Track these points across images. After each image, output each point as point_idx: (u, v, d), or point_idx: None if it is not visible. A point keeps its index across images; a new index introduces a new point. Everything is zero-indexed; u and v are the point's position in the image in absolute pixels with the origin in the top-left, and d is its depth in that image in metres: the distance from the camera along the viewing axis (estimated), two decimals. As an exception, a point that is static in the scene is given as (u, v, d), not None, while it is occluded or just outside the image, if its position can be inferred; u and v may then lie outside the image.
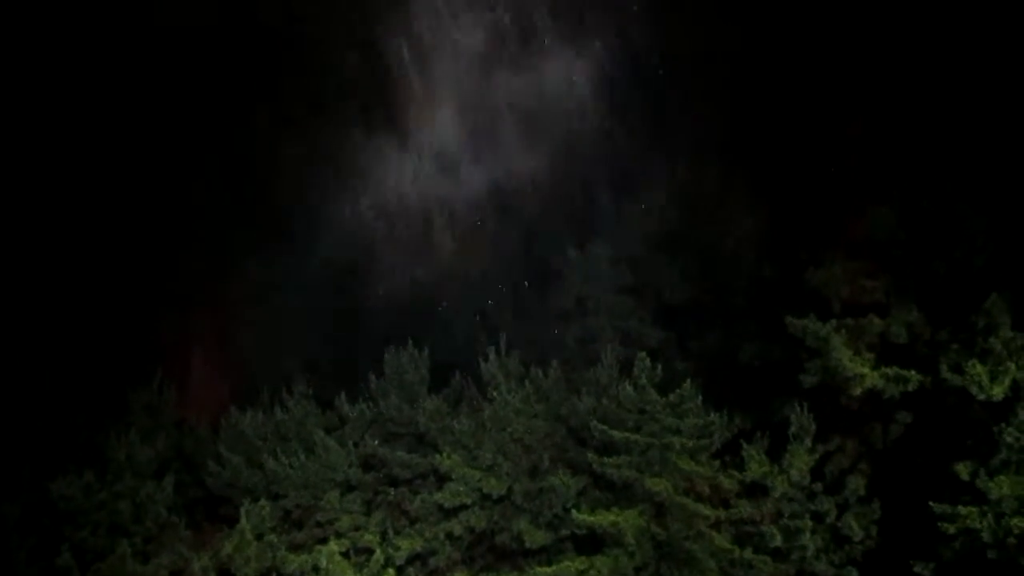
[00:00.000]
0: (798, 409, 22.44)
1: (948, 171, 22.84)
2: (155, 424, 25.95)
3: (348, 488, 24.46)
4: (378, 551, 23.30)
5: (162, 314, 27.84)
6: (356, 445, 24.74)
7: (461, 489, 23.38)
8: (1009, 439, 20.40)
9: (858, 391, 22.10)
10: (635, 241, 26.91)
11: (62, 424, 25.90)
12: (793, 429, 22.39)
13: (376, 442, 24.69)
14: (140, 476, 24.67)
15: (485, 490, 23.29)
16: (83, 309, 27.67)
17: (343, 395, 25.47)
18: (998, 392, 20.81)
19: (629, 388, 22.88)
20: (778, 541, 21.80)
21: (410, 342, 25.77)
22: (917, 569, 20.97)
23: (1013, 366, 20.91)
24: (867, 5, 23.90)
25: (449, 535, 23.41)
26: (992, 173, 22.46)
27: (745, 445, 22.58)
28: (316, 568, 23.09)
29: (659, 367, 23.05)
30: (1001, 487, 20.09)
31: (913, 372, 21.85)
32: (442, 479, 23.79)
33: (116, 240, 28.01)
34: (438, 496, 23.49)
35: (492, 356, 24.88)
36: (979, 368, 20.96)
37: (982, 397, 20.90)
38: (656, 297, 26.48)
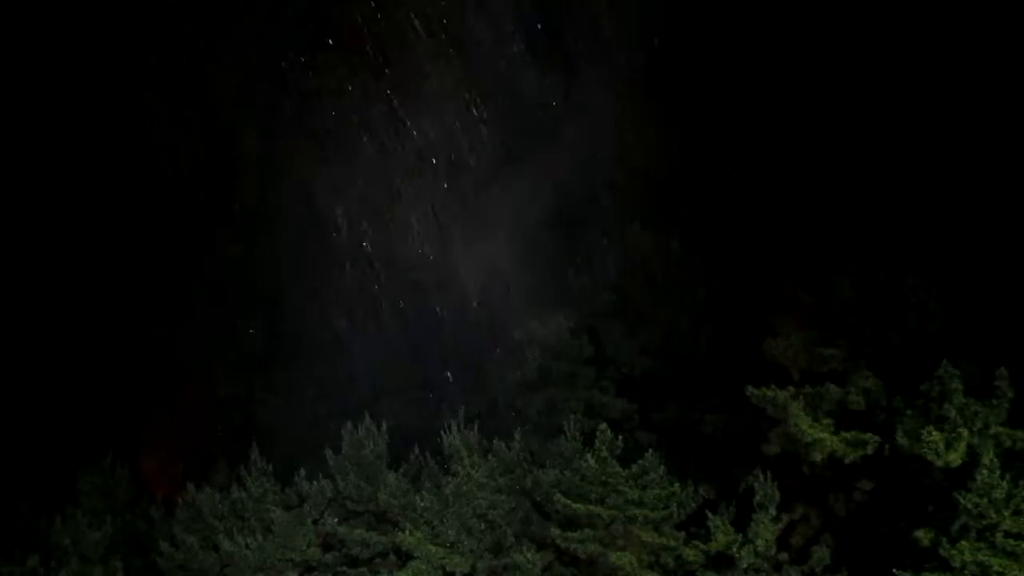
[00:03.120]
0: (762, 478, 22.53)
1: (901, 241, 23.50)
2: (105, 506, 25.21)
3: (307, 569, 23.88)
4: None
5: (116, 391, 27.24)
6: (316, 523, 24.23)
7: (423, 568, 22.91)
8: (968, 505, 20.64)
9: (819, 457, 22.27)
10: (596, 312, 27.10)
11: (5, 508, 25.04)
12: (757, 499, 22.41)
13: (335, 520, 24.21)
14: (87, 561, 23.97)
15: (448, 568, 22.87)
16: (29, 387, 26.99)
17: (302, 471, 25.01)
18: (954, 458, 21.09)
19: (591, 460, 22.82)
20: (746, 613, 21.71)
21: (367, 416, 25.47)
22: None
23: (966, 432, 21.24)
24: (818, 77, 24.75)
25: (411, 616, 22.93)
26: (943, 243, 23.17)
27: (710, 516, 22.54)
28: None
29: (620, 438, 23.04)
30: (963, 554, 20.28)
31: (871, 435, 22.13)
32: (404, 558, 23.34)
33: (66, 317, 27.49)
34: (400, 576, 23.07)
35: (453, 429, 24.66)
36: (935, 435, 21.25)
37: (939, 464, 21.19)
38: (618, 368, 26.63)
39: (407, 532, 23.21)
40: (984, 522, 20.59)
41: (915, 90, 23.76)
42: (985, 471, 20.74)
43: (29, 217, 28.30)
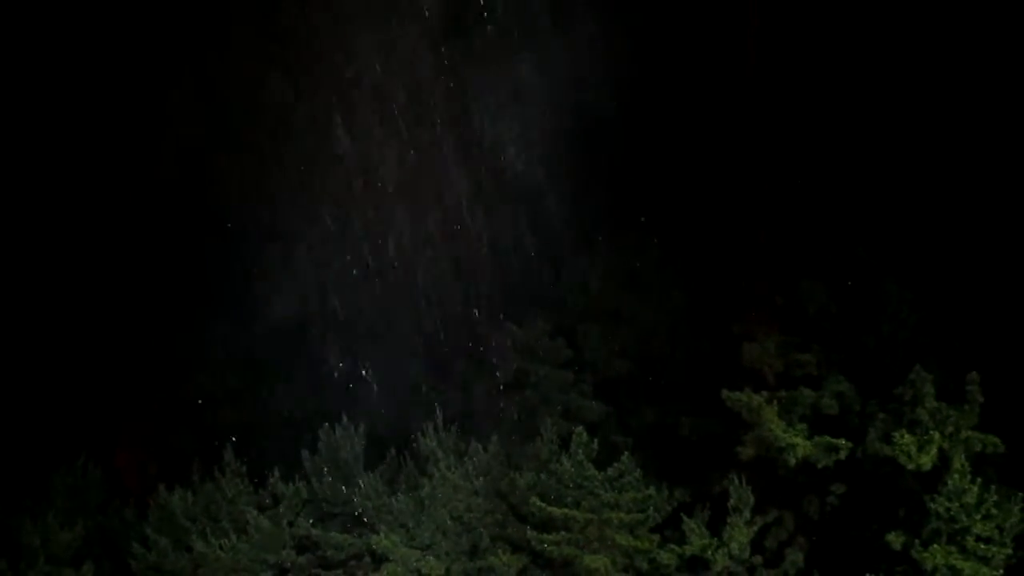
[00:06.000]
0: (736, 482, 22.66)
1: (875, 247, 23.78)
2: (78, 506, 24.95)
3: (282, 571, 23.73)
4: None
5: (90, 391, 27.01)
6: (291, 525, 24.11)
7: (398, 571, 22.88)
8: (939, 509, 20.88)
9: (793, 461, 22.45)
10: (574, 315, 27.17)
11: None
12: (732, 502, 22.55)
13: (310, 522, 24.12)
14: (56, 562, 23.70)
15: (423, 571, 22.85)
16: (1, 387, 26.71)
17: (276, 472, 24.89)
18: (926, 462, 21.34)
19: (567, 463, 22.91)
20: (720, 616, 21.86)
21: (344, 417, 25.39)
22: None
23: (937, 435, 21.49)
24: (796, 85, 25.00)
25: (386, 619, 22.89)
26: (917, 249, 23.47)
27: (685, 519, 22.67)
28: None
29: (596, 441, 23.14)
30: (935, 557, 20.50)
31: (843, 440, 22.31)
32: (379, 561, 23.28)
33: (41, 316, 27.26)
34: (375, 578, 23.04)
35: (430, 431, 24.65)
36: (907, 438, 21.48)
37: (911, 467, 21.40)
38: (595, 371, 26.71)
39: (382, 535, 23.18)
40: (955, 526, 20.86)
41: (890, 100, 24.06)
42: (956, 475, 21.03)
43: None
